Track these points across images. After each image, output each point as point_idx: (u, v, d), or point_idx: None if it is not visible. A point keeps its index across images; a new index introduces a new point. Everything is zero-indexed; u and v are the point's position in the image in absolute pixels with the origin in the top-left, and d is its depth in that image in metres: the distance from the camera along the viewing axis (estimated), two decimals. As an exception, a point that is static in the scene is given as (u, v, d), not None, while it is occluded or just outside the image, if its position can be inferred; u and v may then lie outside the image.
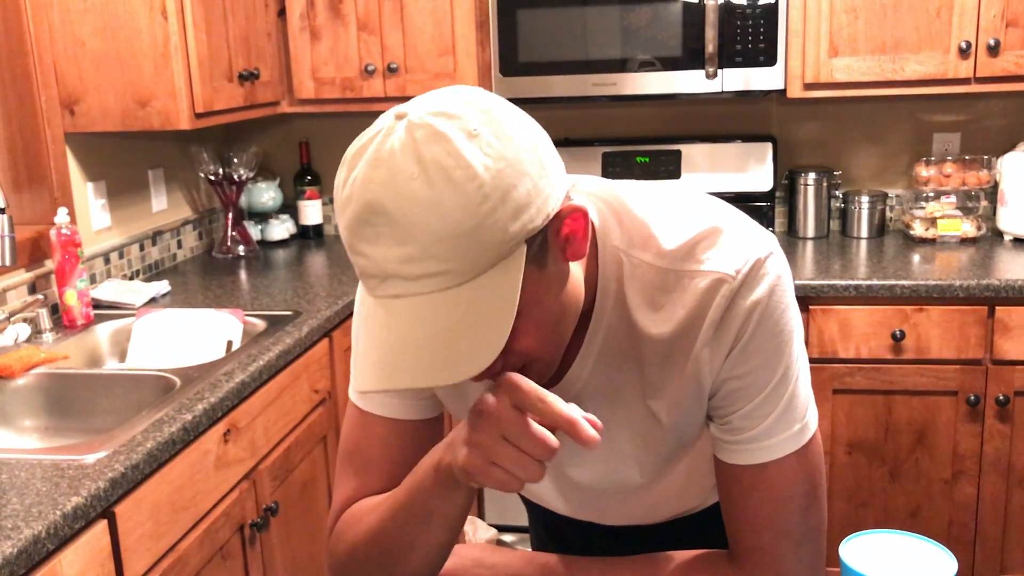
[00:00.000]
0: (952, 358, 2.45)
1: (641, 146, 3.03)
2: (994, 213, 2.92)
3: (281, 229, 3.23)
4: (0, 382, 1.94)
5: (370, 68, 2.80)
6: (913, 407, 2.50)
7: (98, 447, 1.56)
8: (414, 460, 0.99)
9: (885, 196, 2.97)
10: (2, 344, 2.12)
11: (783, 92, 2.69)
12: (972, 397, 2.45)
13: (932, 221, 2.86)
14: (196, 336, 2.23)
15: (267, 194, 3.26)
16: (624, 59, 2.69)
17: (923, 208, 2.91)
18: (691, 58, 2.66)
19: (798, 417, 0.96)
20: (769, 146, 2.97)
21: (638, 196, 0.98)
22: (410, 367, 0.78)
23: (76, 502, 1.38)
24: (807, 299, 2.48)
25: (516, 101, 2.84)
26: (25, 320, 2.18)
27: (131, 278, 2.70)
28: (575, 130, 3.16)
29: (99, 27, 2.31)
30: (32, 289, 2.28)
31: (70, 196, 2.42)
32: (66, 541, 1.37)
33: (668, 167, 3.01)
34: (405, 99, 3.14)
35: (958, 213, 2.85)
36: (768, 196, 2.98)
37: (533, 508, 1.33)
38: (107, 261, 2.60)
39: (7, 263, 1.97)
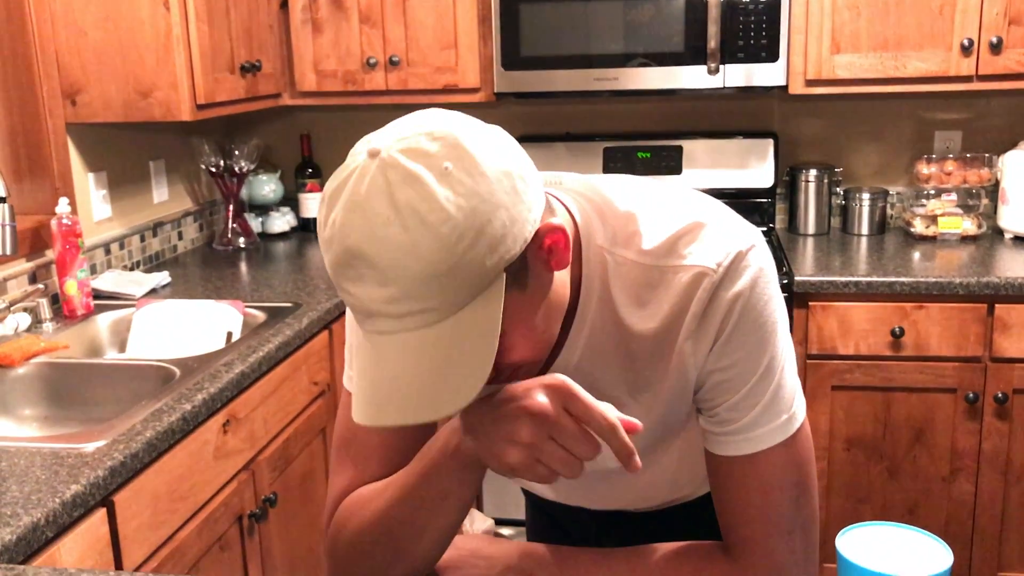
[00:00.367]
0: (951, 355, 2.45)
1: (642, 141, 3.03)
2: (995, 211, 2.92)
3: (282, 221, 3.23)
4: (0, 371, 1.94)
5: (372, 61, 2.80)
6: (912, 404, 2.50)
7: (98, 436, 1.56)
8: (411, 447, 1.00)
9: (886, 193, 2.97)
10: (2, 333, 2.12)
11: (785, 88, 2.69)
12: (971, 395, 2.45)
13: (933, 218, 2.86)
14: (196, 327, 2.23)
15: (268, 186, 3.26)
16: (626, 54, 2.69)
17: (924, 205, 2.91)
18: (693, 53, 2.66)
19: (784, 408, 0.97)
20: (770, 142, 2.97)
21: (622, 193, 1.00)
22: (399, 405, 0.81)
23: (75, 490, 1.38)
24: (807, 295, 2.48)
25: (518, 95, 2.87)
26: (25, 309, 2.18)
27: (131, 269, 2.71)
28: (577, 125, 3.16)
29: (101, 17, 2.31)
30: (33, 279, 2.29)
31: (71, 186, 2.42)
32: (65, 529, 1.37)
33: (669, 163, 3.01)
34: (407, 92, 3.09)
35: (959, 211, 2.85)
36: (769, 192, 2.98)
37: (531, 498, 1.34)
38: (108, 251, 2.60)
39: (8, 252, 1.98)
